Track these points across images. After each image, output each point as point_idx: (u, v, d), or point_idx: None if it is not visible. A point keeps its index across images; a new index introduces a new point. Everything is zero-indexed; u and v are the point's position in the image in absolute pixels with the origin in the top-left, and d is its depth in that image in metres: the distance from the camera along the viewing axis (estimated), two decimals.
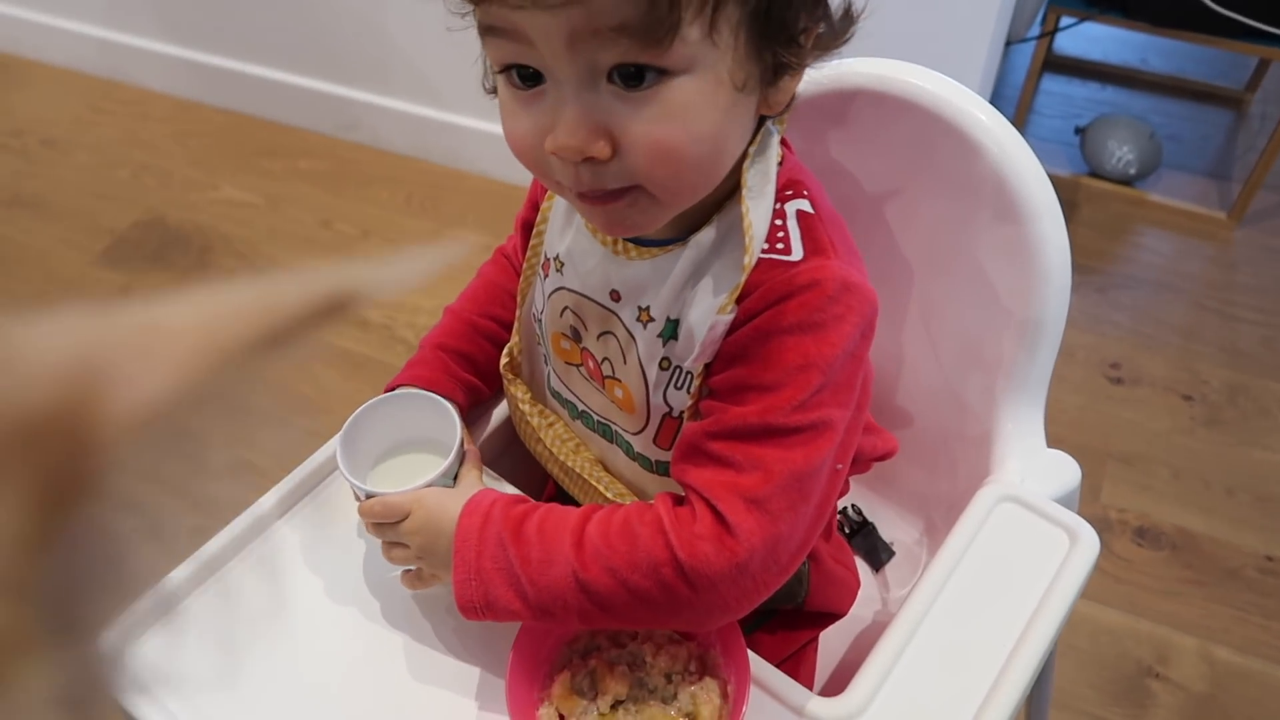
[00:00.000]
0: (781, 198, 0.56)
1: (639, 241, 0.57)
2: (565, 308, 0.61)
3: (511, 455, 0.75)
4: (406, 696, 0.59)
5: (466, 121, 1.84)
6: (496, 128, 2.03)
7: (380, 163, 1.95)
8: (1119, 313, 1.65)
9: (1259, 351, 1.59)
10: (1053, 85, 2.12)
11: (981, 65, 1.40)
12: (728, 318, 0.53)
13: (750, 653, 0.56)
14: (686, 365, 0.56)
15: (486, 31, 0.48)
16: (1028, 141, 0.67)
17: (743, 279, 0.53)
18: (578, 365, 0.63)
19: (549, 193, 0.63)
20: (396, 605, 0.63)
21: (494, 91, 0.54)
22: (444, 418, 0.63)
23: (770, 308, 0.52)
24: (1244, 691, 1.19)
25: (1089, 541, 0.64)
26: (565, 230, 0.61)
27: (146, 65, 2.09)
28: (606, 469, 0.66)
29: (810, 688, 0.58)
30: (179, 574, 0.63)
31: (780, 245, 0.54)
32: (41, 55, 2.21)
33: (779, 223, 0.55)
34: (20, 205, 1.89)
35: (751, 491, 0.51)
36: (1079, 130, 1.90)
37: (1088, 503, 1.38)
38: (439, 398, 0.64)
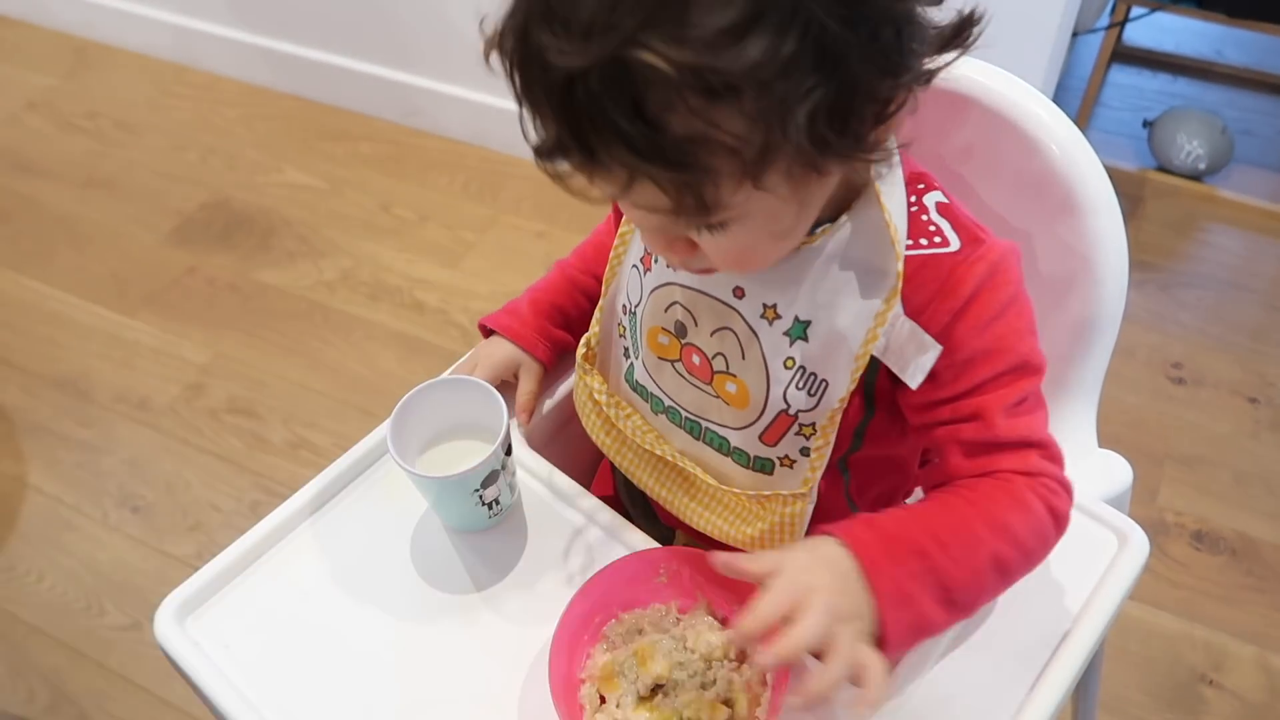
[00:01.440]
0: (914, 190, 0.56)
1: None
2: (674, 303, 0.61)
3: (562, 439, 0.76)
4: (452, 671, 0.61)
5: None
6: None
7: (440, 148, 1.97)
8: (1184, 311, 1.61)
9: None
10: (1121, 77, 2.07)
11: (1046, 56, 1.37)
12: (904, 318, 0.54)
13: None
14: (823, 371, 0.57)
15: None
16: (1093, 134, 0.67)
17: (898, 284, 0.54)
18: (673, 361, 0.63)
19: None
20: (444, 583, 0.65)
21: None
22: (491, 404, 0.64)
23: (969, 302, 0.54)
24: None
25: (1139, 544, 0.63)
26: None
27: (218, 51, 2.15)
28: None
29: None
30: (237, 548, 0.66)
31: (937, 239, 0.55)
32: (118, 40, 2.28)
33: (925, 217, 0.56)
34: (94, 185, 1.95)
35: (1050, 449, 0.56)
36: (1147, 123, 1.85)
37: (1144, 505, 1.35)
38: (487, 384, 0.65)
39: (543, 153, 0.45)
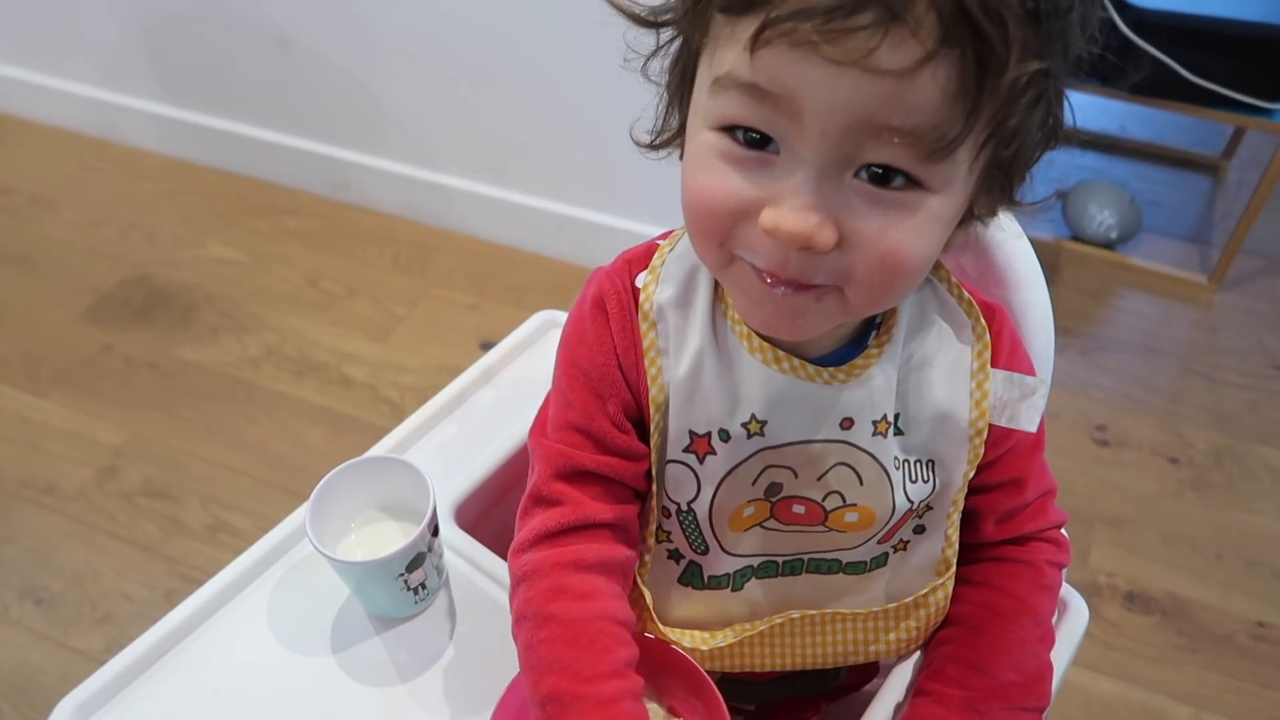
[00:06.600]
0: None
1: (836, 360, 0.53)
2: (766, 468, 0.54)
3: (493, 517, 0.74)
4: None
5: (455, 182, 1.86)
6: (484, 188, 2.02)
7: (369, 222, 1.96)
8: (1104, 375, 1.66)
9: (1244, 415, 1.59)
10: None
11: None
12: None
13: None
14: (928, 452, 0.55)
15: (744, 89, 0.42)
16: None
17: (988, 337, 0.55)
18: (761, 522, 0.57)
19: (657, 375, 0.54)
20: (367, 675, 0.61)
21: (660, 146, 0.52)
22: (417, 483, 0.62)
23: (1010, 356, 0.56)
24: None
25: (1077, 611, 0.63)
26: (746, 391, 0.53)
27: (140, 125, 2.11)
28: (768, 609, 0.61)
29: None
30: (144, 642, 0.62)
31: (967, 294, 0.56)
32: (36, 115, 2.22)
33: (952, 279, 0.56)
34: (5, 262, 1.88)
35: (1055, 489, 0.62)
36: (1060, 194, 1.92)
37: (1076, 567, 1.36)
38: (411, 463, 0.63)
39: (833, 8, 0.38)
